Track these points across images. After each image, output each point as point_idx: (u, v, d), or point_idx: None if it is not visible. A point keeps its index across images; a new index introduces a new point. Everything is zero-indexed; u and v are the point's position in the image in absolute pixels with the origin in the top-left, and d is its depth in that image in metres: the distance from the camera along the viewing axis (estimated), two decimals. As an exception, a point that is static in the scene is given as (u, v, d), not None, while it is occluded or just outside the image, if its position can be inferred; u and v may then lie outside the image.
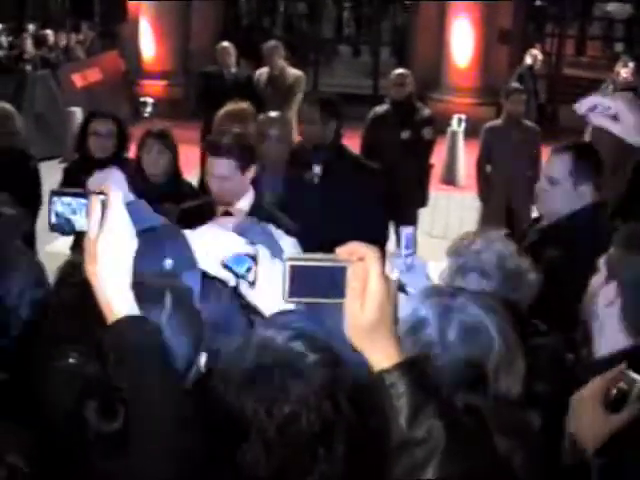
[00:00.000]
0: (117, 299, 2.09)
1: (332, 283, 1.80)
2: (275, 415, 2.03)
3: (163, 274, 2.58)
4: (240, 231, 2.80)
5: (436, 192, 11.25)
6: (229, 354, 2.20)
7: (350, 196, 5.95)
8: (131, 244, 2.13)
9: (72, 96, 15.78)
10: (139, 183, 6.00)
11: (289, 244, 3.05)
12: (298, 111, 6.89)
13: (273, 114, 5.95)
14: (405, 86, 9.39)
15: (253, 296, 2.61)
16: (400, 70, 9.91)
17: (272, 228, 3.04)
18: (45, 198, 6.26)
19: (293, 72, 11.62)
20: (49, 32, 17.90)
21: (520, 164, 9.46)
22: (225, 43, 12.51)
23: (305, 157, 6.17)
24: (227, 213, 4.74)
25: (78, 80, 16.36)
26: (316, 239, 5.25)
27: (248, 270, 2.60)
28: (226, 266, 2.63)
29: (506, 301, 2.84)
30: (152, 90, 18.36)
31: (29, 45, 17.04)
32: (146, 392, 2.07)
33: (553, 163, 4.67)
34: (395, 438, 1.81)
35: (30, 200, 6.73)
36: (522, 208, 9.41)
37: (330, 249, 1.85)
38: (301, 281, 1.80)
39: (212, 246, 2.69)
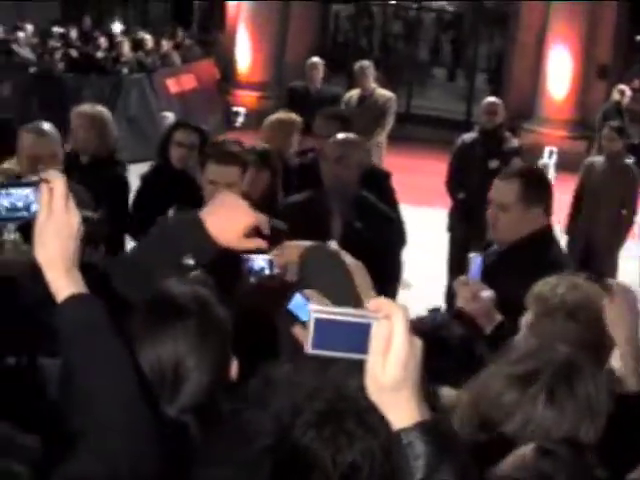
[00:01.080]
0: (60, 281, 2.17)
1: (356, 338, 1.79)
2: (339, 463, 1.99)
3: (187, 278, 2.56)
4: (311, 256, 2.78)
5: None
6: (302, 389, 2.16)
7: None
8: (72, 228, 2.19)
9: (165, 101, 15.99)
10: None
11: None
12: (315, 126, 6.84)
13: (339, 136, 5.89)
14: (496, 115, 9.31)
15: (305, 336, 2.61)
16: (492, 99, 9.83)
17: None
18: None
19: (384, 93, 11.57)
20: (147, 36, 18.14)
21: (610, 203, 9.34)
22: (315, 58, 12.50)
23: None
24: None
25: (172, 85, 16.58)
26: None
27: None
28: (289, 311, 2.62)
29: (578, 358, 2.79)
30: (244, 100, 18.51)
31: (126, 48, 17.29)
32: (96, 370, 2.12)
33: (502, 189, 4.67)
34: None
35: (116, 205, 6.77)
36: (603, 250, 9.36)
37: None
38: (325, 334, 1.80)
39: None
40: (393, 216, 5.89)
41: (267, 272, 2.80)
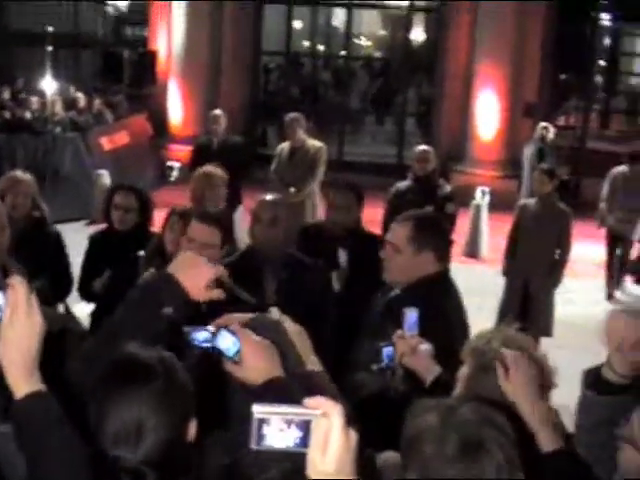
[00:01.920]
0: (19, 380, 2.40)
1: (297, 434, 1.96)
2: None
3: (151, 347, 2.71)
4: (253, 326, 2.87)
5: (458, 265, 11.26)
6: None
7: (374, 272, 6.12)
8: (34, 331, 2.42)
9: (100, 159, 16.00)
10: (158, 259, 6.10)
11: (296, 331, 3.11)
12: (329, 197, 6.89)
13: (268, 197, 6.03)
14: (428, 162, 9.51)
15: (237, 370, 2.75)
16: (423, 147, 10.03)
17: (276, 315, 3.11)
18: (71, 260, 6.30)
19: (314, 144, 11.70)
20: (80, 95, 18.14)
21: (544, 245, 9.54)
22: (216, 111, 12.70)
23: (331, 241, 6.32)
24: None
25: (106, 143, 16.60)
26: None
27: (237, 353, 2.74)
28: (214, 348, 2.76)
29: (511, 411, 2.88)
30: (179, 154, 18.51)
31: (59, 107, 17.27)
32: (44, 461, 2.38)
33: (395, 231, 4.80)
34: None
35: (54, 266, 6.88)
36: (540, 290, 9.54)
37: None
38: (267, 431, 1.95)
39: None
40: (324, 272, 5.99)
41: (209, 345, 2.89)
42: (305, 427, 1.96)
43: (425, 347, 3.95)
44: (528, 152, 15.61)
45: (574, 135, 20.07)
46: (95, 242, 7.02)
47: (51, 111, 17.08)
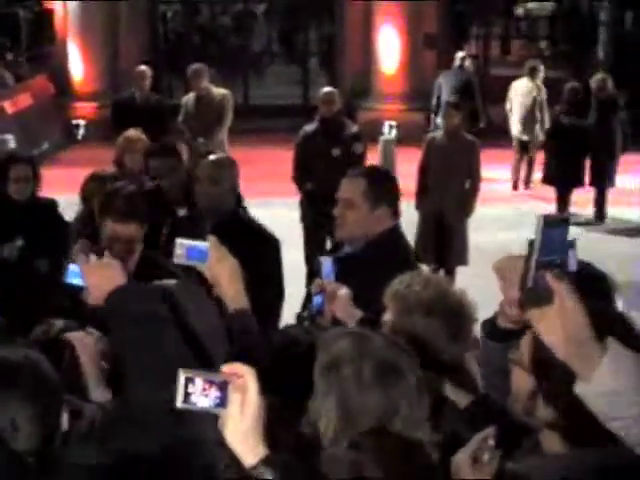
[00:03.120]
0: None
1: (217, 394, 2.14)
2: None
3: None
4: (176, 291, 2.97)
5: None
6: None
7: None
8: None
9: (4, 123, 15.72)
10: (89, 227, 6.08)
11: None
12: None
13: (211, 157, 6.00)
14: (333, 104, 9.57)
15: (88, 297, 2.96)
16: (327, 89, 10.10)
17: None
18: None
19: (219, 92, 11.78)
20: (-24, 62, 17.78)
21: (454, 176, 9.69)
22: (142, 67, 12.63)
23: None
24: None
25: (9, 107, 16.33)
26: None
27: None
28: (69, 285, 3.02)
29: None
30: (83, 112, 18.33)
31: (-44, 76, 16.92)
32: None
33: (347, 187, 4.74)
34: None
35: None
36: (454, 221, 9.70)
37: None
38: (192, 389, 2.13)
39: None
40: (269, 235, 5.91)
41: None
42: (224, 387, 2.13)
43: (343, 291, 4.02)
44: (448, 84, 15.14)
45: (477, 63, 20.21)
46: None
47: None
